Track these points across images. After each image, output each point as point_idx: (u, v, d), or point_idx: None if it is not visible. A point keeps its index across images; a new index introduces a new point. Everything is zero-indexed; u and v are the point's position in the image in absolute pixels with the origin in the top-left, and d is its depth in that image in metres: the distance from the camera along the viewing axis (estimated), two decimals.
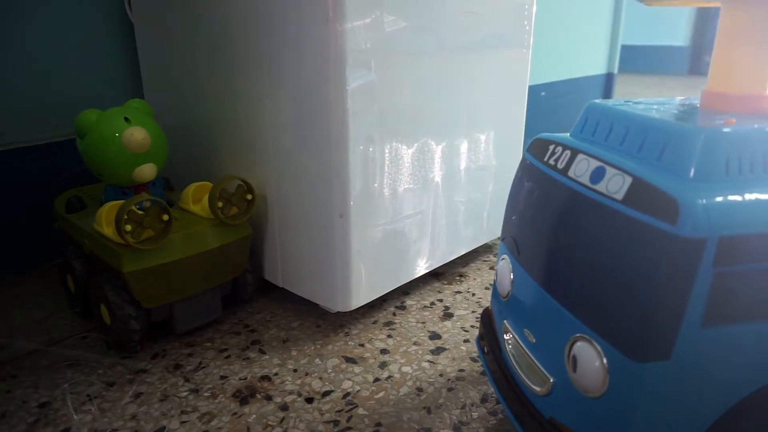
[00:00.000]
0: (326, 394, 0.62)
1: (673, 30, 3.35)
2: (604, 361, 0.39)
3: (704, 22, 3.32)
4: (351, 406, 0.60)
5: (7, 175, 0.86)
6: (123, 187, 0.74)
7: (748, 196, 0.36)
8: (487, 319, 0.58)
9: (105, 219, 0.67)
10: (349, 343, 0.72)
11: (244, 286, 0.78)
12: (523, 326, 0.50)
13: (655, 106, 0.46)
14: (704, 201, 0.35)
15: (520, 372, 0.50)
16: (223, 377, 0.64)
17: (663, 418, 0.39)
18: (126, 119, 0.71)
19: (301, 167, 0.70)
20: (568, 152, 0.46)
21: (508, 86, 0.89)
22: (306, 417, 0.58)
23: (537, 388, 0.47)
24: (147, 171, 0.73)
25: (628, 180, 0.39)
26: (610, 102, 0.48)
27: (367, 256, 0.71)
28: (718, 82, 0.45)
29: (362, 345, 0.71)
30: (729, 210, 0.35)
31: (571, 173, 0.45)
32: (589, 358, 0.40)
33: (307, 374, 0.65)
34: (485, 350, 0.57)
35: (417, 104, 0.72)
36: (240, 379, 0.64)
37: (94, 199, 0.79)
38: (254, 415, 0.58)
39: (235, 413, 0.58)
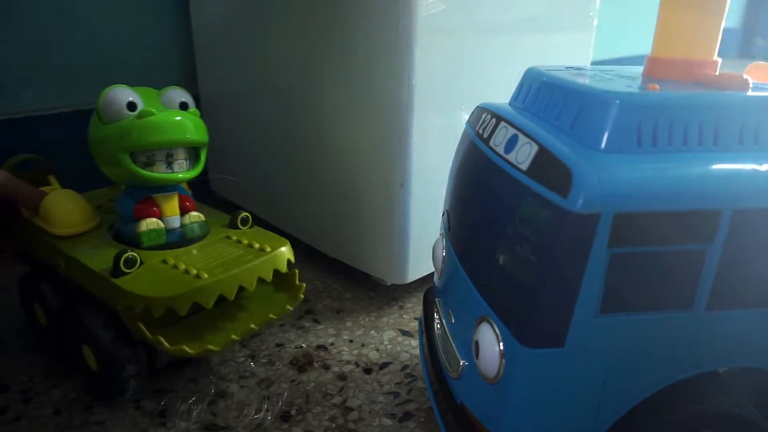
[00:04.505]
0: (384, 365, 0.60)
1: None
2: (501, 345, 0.36)
3: (757, 2, 3.12)
4: (410, 379, 0.58)
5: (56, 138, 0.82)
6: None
7: (655, 171, 0.32)
8: (427, 297, 0.55)
9: None
10: (404, 316, 0.70)
11: None
12: (447, 305, 0.47)
13: (592, 73, 0.42)
14: (600, 173, 0.31)
15: (441, 354, 0.47)
16: (278, 344, 0.63)
17: (561, 411, 0.36)
18: None
19: (361, 134, 0.67)
20: (493, 120, 0.43)
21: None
22: (365, 387, 0.57)
23: (451, 371, 0.44)
24: None
25: (535, 149, 0.35)
26: (548, 67, 0.44)
27: (424, 229, 0.68)
28: (661, 47, 0.41)
29: (417, 319, 0.69)
30: (629, 185, 0.31)
31: (491, 142, 0.41)
32: (489, 340, 0.37)
33: (363, 345, 0.64)
34: (422, 330, 0.54)
35: (481, 80, 0.69)
36: (296, 348, 0.63)
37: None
38: (313, 383, 0.57)
39: (293, 380, 0.57)
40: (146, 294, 0.46)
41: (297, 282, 0.59)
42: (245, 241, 0.56)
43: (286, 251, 0.56)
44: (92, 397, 0.55)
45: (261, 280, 0.53)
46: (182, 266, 0.50)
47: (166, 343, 0.48)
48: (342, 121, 0.69)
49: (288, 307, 0.56)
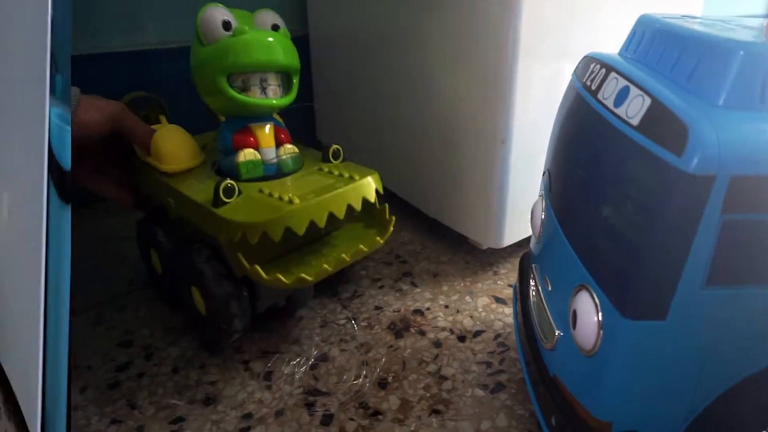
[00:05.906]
0: (477, 333, 0.60)
1: None
2: (600, 315, 0.34)
3: None
4: (503, 348, 0.58)
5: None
6: None
7: None
8: (522, 263, 0.53)
9: None
10: (498, 282, 0.69)
11: None
12: (544, 272, 0.45)
13: (712, 22, 0.38)
14: (719, 131, 0.28)
15: (535, 323, 0.45)
16: (377, 308, 0.64)
17: (658, 387, 0.33)
18: None
19: (463, 85, 0.65)
20: (603, 71, 0.39)
21: None
22: (459, 356, 0.57)
23: (545, 342, 0.42)
24: None
25: (647, 102, 0.32)
26: (663, 14, 0.40)
27: (523, 190, 0.66)
28: None
29: (511, 285, 0.68)
30: (750, 145, 0.28)
31: (600, 95, 0.38)
32: (587, 310, 0.35)
33: (458, 311, 0.64)
34: (517, 297, 0.53)
35: (588, 30, 0.65)
36: (394, 311, 0.64)
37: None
38: (409, 350, 0.58)
39: (390, 346, 0.58)
40: (242, 220, 0.48)
41: (387, 216, 0.60)
42: (336, 172, 0.57)
43: (373, 180, 0.56)
44: (204, 345, 0.57)
45: (353, 218, 0.58)
46: (276, 194, 0.51)
47: (262, 273, 0.50)
48: (445, 71, 0.67)
49: (378, 239, 0.57)
